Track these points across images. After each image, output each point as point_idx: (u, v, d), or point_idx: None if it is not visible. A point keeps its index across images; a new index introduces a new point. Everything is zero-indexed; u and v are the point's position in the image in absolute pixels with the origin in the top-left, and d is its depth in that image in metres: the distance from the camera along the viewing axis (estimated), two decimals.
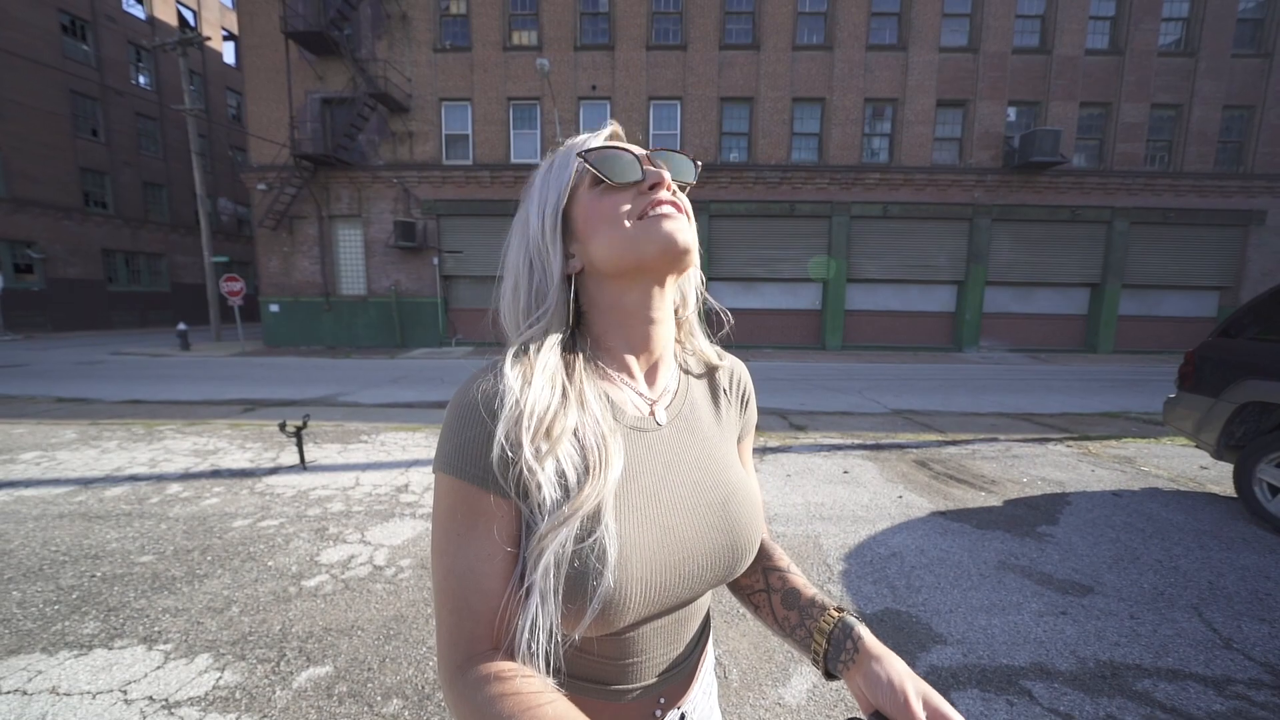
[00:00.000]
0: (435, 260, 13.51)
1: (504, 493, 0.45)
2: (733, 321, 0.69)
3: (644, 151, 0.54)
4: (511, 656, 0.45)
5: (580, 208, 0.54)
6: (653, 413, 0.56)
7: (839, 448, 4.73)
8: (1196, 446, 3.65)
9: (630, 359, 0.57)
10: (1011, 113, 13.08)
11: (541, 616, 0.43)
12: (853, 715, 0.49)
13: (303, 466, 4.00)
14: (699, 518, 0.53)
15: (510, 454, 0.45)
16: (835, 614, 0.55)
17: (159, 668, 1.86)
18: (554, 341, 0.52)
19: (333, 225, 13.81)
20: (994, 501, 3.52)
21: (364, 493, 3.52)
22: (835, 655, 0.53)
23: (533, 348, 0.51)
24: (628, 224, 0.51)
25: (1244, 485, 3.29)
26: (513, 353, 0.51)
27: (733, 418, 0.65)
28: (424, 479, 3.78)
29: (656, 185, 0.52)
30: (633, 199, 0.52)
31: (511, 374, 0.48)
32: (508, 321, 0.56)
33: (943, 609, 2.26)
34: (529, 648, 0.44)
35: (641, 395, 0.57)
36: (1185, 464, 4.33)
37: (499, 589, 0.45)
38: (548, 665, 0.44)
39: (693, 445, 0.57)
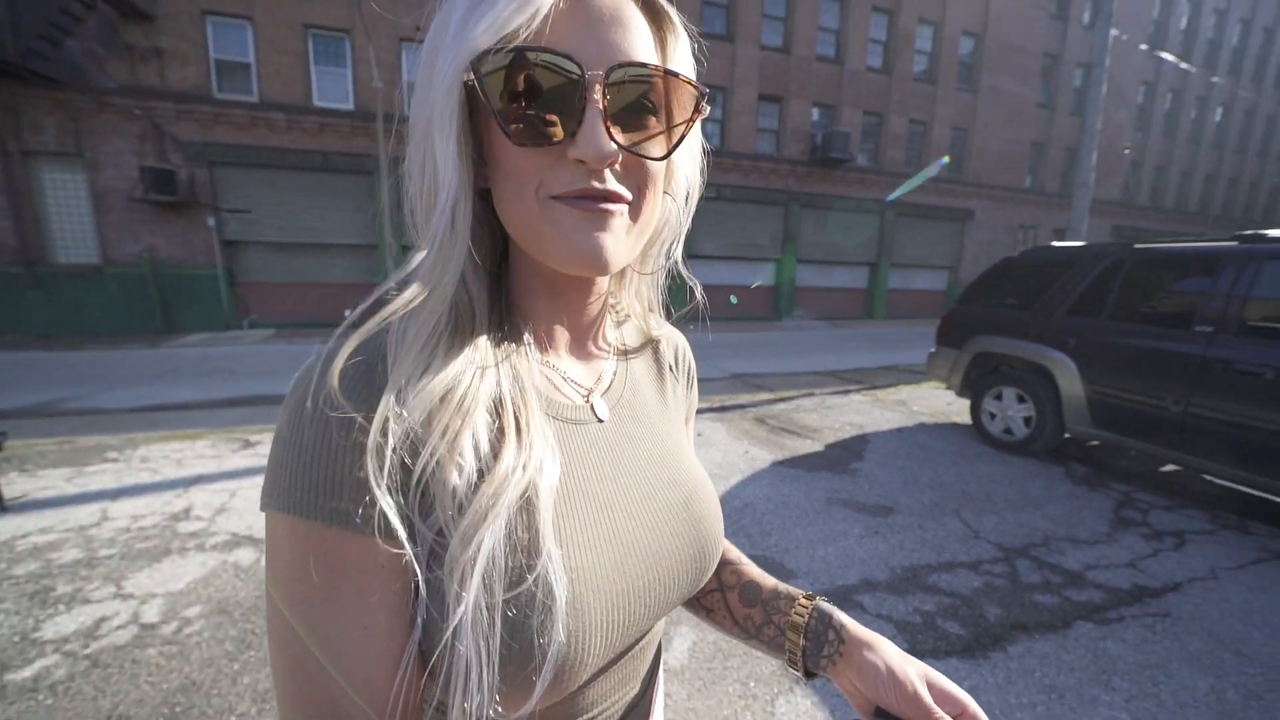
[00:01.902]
0: (212, 221, 10.67)
1: (386, 528, 0.30)
2: (705, 298, 0.54)
3: (599, 69, 0.32)
4: None
5: (483, 128, 0.36)
6: (589, 402, 0.44)
7: None
8: (947, 388, 4.73)
9: (558, 329, 0.43)
10: (815, 113, 15.11)
11: (466, 700, 0.30)
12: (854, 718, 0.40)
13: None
14: (661, 526, 0.42)
15: (393, 463, 0.31)
16: (807, 603, 0.47)
17: None
18: (448, 281, 0.35)
19: (32, 166, 9.94)
20: (817, 447, 4.10)
21: (116, 529, 2.62)
22: (815, 651, 0.46)
23: (414, 290, 0.35)
24: (534, 202, 0.34)
25: (976, 415, 4.37)
26: (372, 306, 0.35)
27: (679, 400, 0.53)
28: (212, 499, 2.96)
29: (584, 161, 0.33)
30: (553, 162, 0.34)
31: (389, 340, 0.34)
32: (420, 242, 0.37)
33: (790, 546, 2.54)
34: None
35: (572, 381, 0.44)
36: (939, 403, 5.61)
37: (386, 671, 0.31)
38: None
39: (642, 440, 0.45)
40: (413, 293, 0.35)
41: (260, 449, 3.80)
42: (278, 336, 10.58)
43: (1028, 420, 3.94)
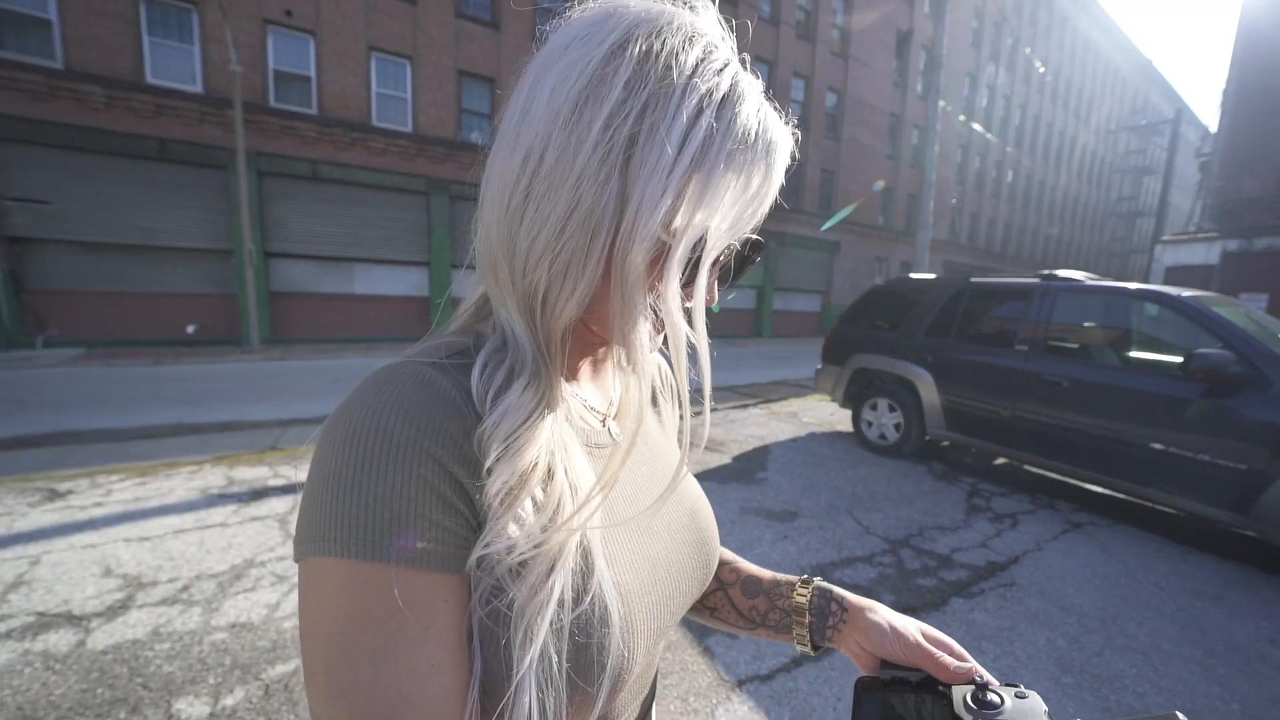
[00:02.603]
0: None
1: (458, 565, 0.31)
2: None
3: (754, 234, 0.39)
4: None
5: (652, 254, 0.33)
6: (605, 426, 0.46)
7: None
8: (831, 400, 5.28)
9: (583, 365, 0.46)
10: None
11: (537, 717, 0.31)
12: (864, 676, 0.44)
13: None
14: (675, 537, 0.46)
15: (464, 507, 0.32)
16: (806, 585, 0.53)
17: None
18: (549, 348, 0.37)
19: None
20: (726, 459, 4.32)
21: None
22: (821, 625, 0.50)
23: (502, 338, 0.38)
24: (645, 323, 0.35)
25: (856, 423, 4.93)
26: (445, 345, 0.37)
27: (671, 418, 0.57)
28: (1, 570, 2.31)
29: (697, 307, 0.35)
30: (678, 300, 0.34)
31: (474, 379, 0.35)
32: (501, 258, 0.36)
33: None
34: None
35: (592, 409, 0.46)
36: (824, 413, 6.23)
37: (455, 708, 0.31)
38: None
39: (650, 458, 0.49)
40: (496, 341, 0.37)
41: (74, 499, 3.04)
42: (90, 357, 8.61)
43: (898, 426, 4.55)
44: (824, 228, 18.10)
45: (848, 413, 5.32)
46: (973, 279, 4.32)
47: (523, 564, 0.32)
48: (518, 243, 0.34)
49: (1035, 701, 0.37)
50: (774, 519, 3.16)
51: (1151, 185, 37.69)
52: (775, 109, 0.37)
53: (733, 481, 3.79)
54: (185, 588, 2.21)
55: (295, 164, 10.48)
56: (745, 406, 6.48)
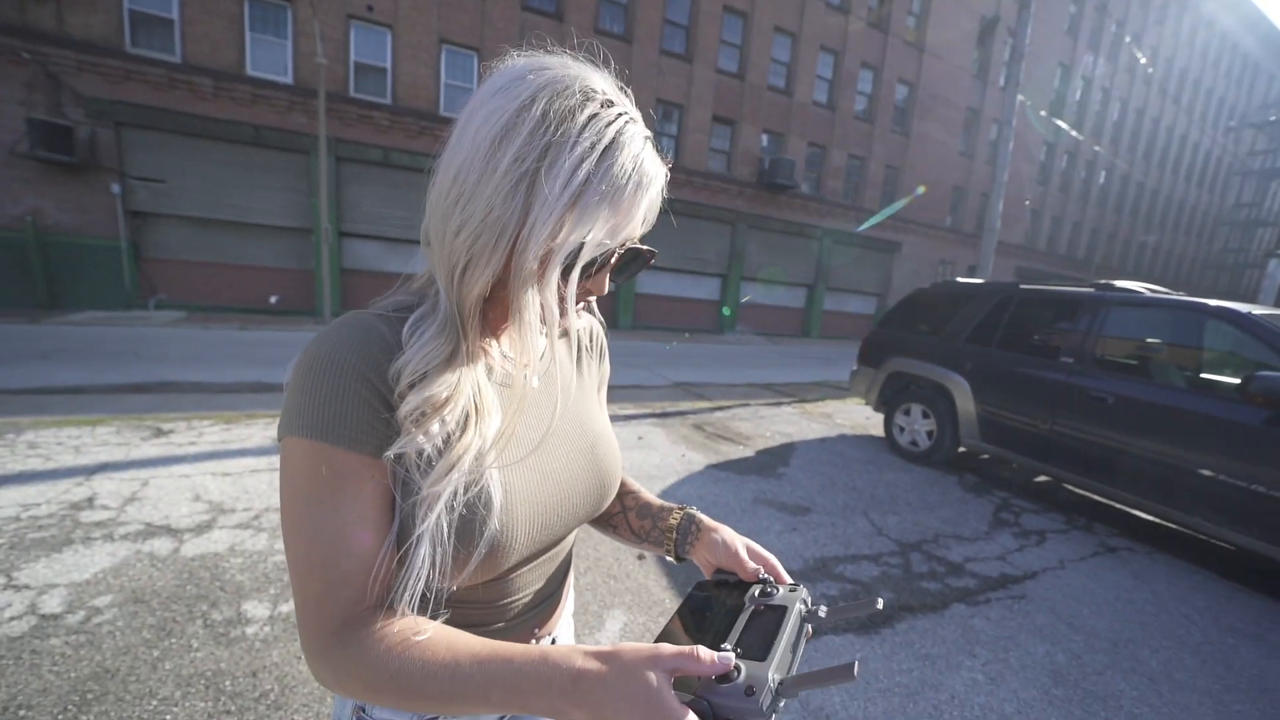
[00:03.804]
0: (117, 188, 9.66)
1: (377, 453, 0.44)
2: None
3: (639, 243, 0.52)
4: (389, 614, 0.44)
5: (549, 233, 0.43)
6: (517, 373, 0.57)
7: (633, 417, 5.21)
8: (865, 403, 5.20)
9: (502, 326, 0.56)
10: (765, 139, 15.94)
11: (427, 565, 0.44)
12: (700, 580, 0.60)
13: None
14: (572, 462, 0.58)
15: (388, 414, 0.45)
16: (680, 511, 0.68)
17: None
18: (462, 302, 0.47)
19: None
20: (749, 453, 4.39)
21: (2, 518, 2.42)
22: (683, 541, 0.66)
23: (430, 301, 0.50)
24: (535, 305, 0.45)
25: (888, 428, 4.84)
26: (396, 302, 0.51)
27: (592, 371, 0.70)
28: (119, 488, 2.76)
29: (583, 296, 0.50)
30: (560, 291, 0.45)
31: (404, 329, 0.47)
32: (435, 243, 0.48)
33: None
34: (407, 599, 0.44)
35: (507, 357, 0.57)
36: (859, 416, 6.12)
37: (373, 550, 0.44)
38: (428, 616, 0.45)
39: (560, 401, 0.60)
40: (430, 304, 0.49)
41: (174, 438, 3.57)
42: (191, 320, 9.73)
43: (930, 434, 4.44)
44: (861, 227, 17.29)
45: (881, 417, 5.22)
46: (1022, 285, 4.13)
47: (429, 462, 0.45)
48: (447, 230, 0.45)
49: (800, 592, 0.53)
50: (785, 512, 3.23)
51: None
52: (654, 148, 0.49)
53: (751, 474, 3.87)
54: (256, 516, 2.59)
55: (369, 150, 11.26)
56: (778, 404, 6.46)
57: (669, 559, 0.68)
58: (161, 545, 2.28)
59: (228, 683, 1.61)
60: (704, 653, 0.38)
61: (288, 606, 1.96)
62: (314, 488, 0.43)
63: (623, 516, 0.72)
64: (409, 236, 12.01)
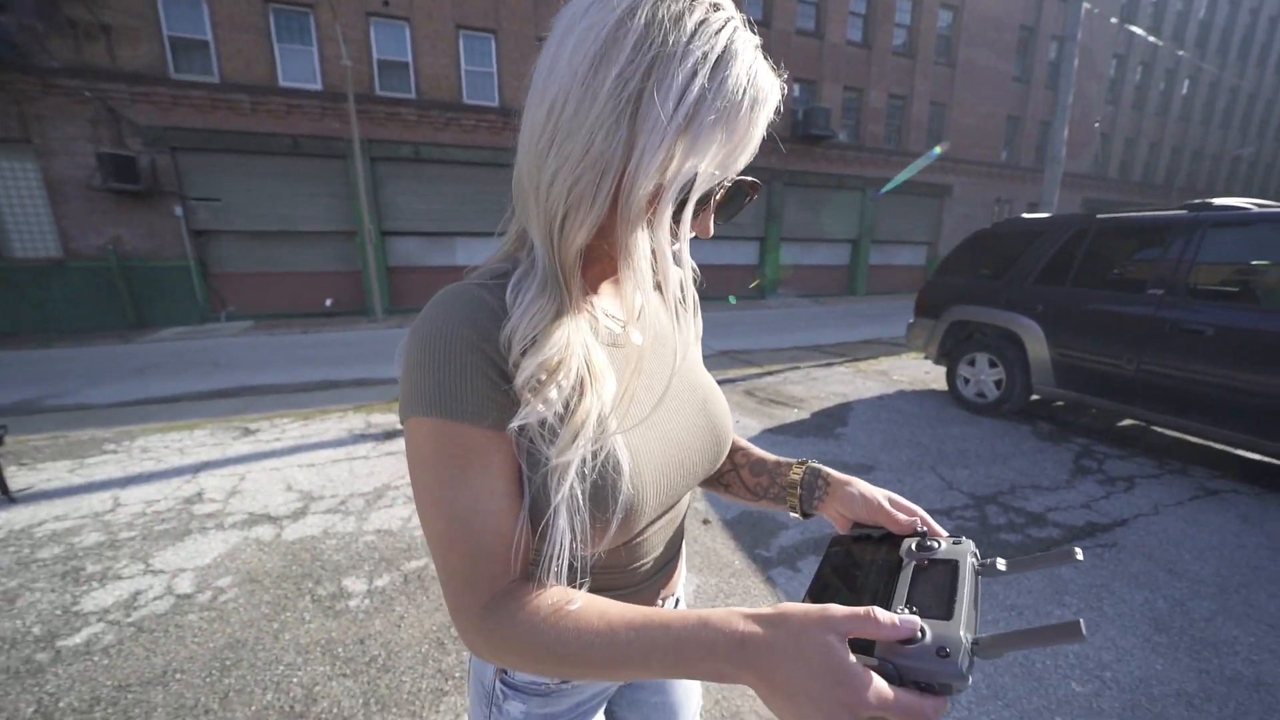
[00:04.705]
0: (179, 210, 10.34)
1: (500, 425, 0.43)
2: (702, 280, 0.66)
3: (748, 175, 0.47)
4: (537, 586, 0.44)
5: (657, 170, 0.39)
6: (625, 330, 0.55)
7: None
8: (924, 357, 4.97)
9: (603, 283, 0.56)
10: (796, 88, 15.10)
11: (568, 535, 0.43)
12: (836, 534, 0.57)
13: (6, 497, 2.88)
14: (687, 419, 0.56)
15: (506, 384, 0.43)
16: (800, 465, 0.64)
17: None
18: (561, 263, 0.45)
19: None
20: (804, 415, 4.31)
21: (132, 514, 2.69)
22: (810, 496, 0.62)
23: (527, 263, 0.47)
24: (646, 250, 0.42)
25: (951, 381, 4.62)
26: (489, 269, 0.48)
27: (689, 325, 0.68)
28: (222, 483, 3.04)
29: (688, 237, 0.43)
30: (671, 232, 0.41)
31: (506, 294, 0.45)
32: (529, 192, 0.45)
33: None
34: (554, 571, 0.43)
35: (611, 316, 0.56)
36: (917, 371, 5.87)
37: (510, 523, 0.44)
38: (573, 584, 0.45)
39: (667, 357, 0.58)
40: (527, 265, 0.47)
41: (260, 435, 3.87)
42: (257, 328, 10.42)
43: (998, 383, 4.20)
44: (882, 191, 16.11)
45: (943, 370, 4.99)
46: (1099, 215, 3.77)
47: (553, 432, 0.43)
48: (542, 178, 0.41)
49: (966, 544, 0.48)
50: (848, 471, 3.16)
51: None
52: (767, 61, 0.44)
53: (809, 435, 3.80)
54: (343, 502, 2.79)
55: (400, 148, 11.49)
56: (830, 365, 6.28)
57: (792, 514, 0.64)
58: (265, 531, 2.50)
59: (340, 649, 1.76)
60: (881, 614, 0.35)
61: (382, 581, 2.11)
62: (443, 465, 0.42)
63: (735, 474, 0.69)
64: (446, 229, 12.29)
